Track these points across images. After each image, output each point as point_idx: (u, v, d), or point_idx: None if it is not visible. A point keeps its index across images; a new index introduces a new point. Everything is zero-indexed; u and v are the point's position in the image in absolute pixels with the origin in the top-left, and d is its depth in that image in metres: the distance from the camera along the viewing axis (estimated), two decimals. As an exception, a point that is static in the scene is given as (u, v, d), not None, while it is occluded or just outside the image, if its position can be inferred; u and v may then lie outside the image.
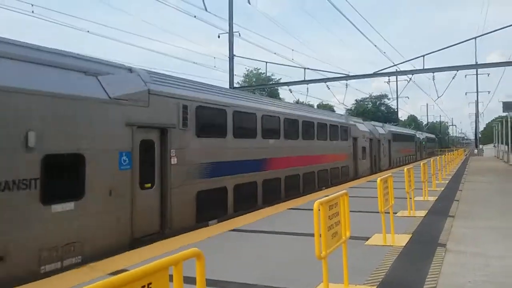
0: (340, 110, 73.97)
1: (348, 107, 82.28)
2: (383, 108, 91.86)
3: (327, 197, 4.32)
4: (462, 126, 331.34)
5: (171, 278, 2.30)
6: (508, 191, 15.23)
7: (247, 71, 63.17)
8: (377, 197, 6.72)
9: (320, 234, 4.06)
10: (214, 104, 11.42)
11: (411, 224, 8.63)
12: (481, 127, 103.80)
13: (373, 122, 33.12)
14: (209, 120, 11.29)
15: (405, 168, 9.73)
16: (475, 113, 70.88)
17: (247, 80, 62.44)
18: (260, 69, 59.80)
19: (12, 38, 7.03)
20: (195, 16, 26.44)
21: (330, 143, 20.26)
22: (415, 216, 9.48)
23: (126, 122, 8.32)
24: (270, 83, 52.09)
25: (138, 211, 8.40)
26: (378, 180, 6.67)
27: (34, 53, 7.13)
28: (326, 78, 26.26)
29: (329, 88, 26.20)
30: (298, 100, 53.83)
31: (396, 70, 25.69)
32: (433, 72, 23.77)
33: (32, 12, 19.13)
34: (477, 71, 53.25)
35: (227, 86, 24.86)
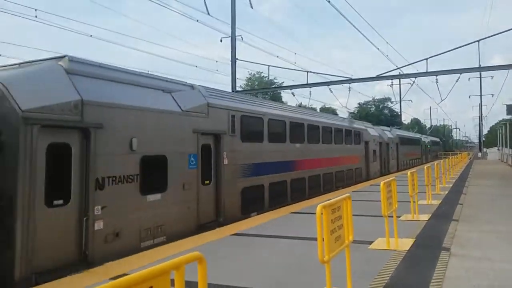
0: (342, 113, 73.91)
1: (351, 111, 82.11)
2: (386, 111, 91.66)
3: (329, 201, 4.30)
4: (466, 129, 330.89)
5: (172, 282, 2.29)
6: (512, 194, 15.15)
7: (249, 74, 63.27)
8: (380, 201, 6.70)
9: (323, 238, 4.03)
10: (254, 113, 13.40)
11: (415, 228, 8.59)
12: (485, 130, 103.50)
13: (381, 127, 34.54)
14: (250, 127, 13.11)
15: (409, 171, 9.71)
16: (479, 116, 70.69)
17: (249, 83, 62.50)
18: (262, 72, 59.85)
19: (113, 64, 9.22)
20: (197, 20, 26.46)
21: (346, 146, 21.94)
22: (418, 220, 9.45)
23: (193, 130, 10.28)
24: (273, 86, 52.12)
25: (201, 203, 10.29)
26: (382, 183, 6.65)
27: (130, 76, 9.10)
28: (329, 82, 26.27)
29: (331, 92, 26.21)
30: (301, 103, 53.99)
31: (399, 73, 25.68)
32: (437, 75, 23.75)
33: (36, 17, 19.27)
34: (480, 74, 52.96)
35: (230, 89, 24.86)
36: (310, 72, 26.75)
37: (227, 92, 13.91)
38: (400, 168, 35.49)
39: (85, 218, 7.20)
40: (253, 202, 12.57)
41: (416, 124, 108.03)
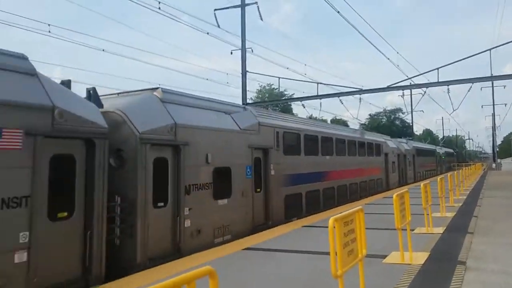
0: (353, 124, 73.67)
1: (362, 122, 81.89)
2: (397, 122, 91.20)
3: (342, 214, 4.27)
4: (479, 139, 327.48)
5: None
6: (528, 206, 14.88)
7: (260, 86, 63.56)
8: (393, 214, 6.63)
9: (336, 252, 3.99)
10: (293, 130, 15.43)
11: (429, 241, 8.50)
12: (499, 140, 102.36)
13: (398, 139, 36.32)
14: (290, 142, 15.04)
15: (422, 183, 9.60)
16: (492, 126, 70.11)
17: (260, 96, 62.73)
18: (273, 84, 60.19)
19: (188, 92, 11.47)
20: (207, 33, 26.68)
21: (368, 158, 23.88)
22: (433, 233, 9.35)
23: (248, 145, 12.24)
24: (283, 98, 52.26)
25: (255, 208, 12.21)
26: (394, 196, 6.60)
27: (203, 102, 11.32)
28: (339, 93, 26.33)
29: (342, 103, 26.35)
30: (311, 115, 53.92)
31: (410, 83, 25.56)
32: (448, 85, 23.61)
33: (49, 32, 19.63)
34: (492, 83, 52.64)
35: (240, 102, 24.95)
36: (321, 83, 26.82)
37: (272, 111, 17.42)
38: (416, 179, 36.70)
39: (178, 217, 9.13)
40: (294, 208, 14.42)
41: (428, 135, 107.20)
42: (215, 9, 25.50)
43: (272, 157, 13.39)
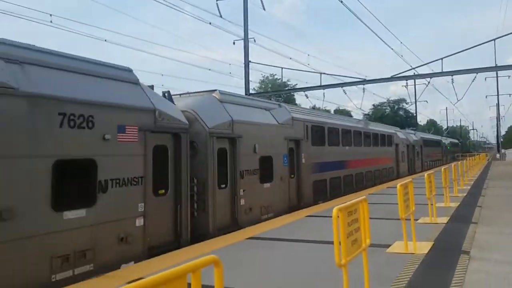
0: (357, 115, 73.44)
1: (365, 112, 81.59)
2: (401, 112, 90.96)
3: (345, 204, 4.27)
4: (483, 130, 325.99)
5: (189, 286, 2.28)
6: (533, 196, 14.86)
7: (263, 77, 63.51)
8: (397, 204, 6.63)
9: (340, 241, 3.99)
10: (319, 123, 17.62)
11: (433, 230, 8.56)
12: (503, 130, 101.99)
13: (407, 130, 38.61)
14: (317, 134, 17.14)
15: (426, 173, 9.59)
16: (496, 117, 70.18)
17: (262, 86, 62.66)
18: (275, 75, 60.18)
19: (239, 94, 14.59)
20: (210, 23, 26.40)
21: (382, 149, 26.16)
22: (437, 223, 9.39)
23: (284, 137, 14.37)
24: (286, 88, 52.28)
25: (290, 191, 14.37)
26: (398, 185, 6.62)
27: (250, 101, 14.05)
28: (342, 83, 26.33)
29: (345, 93, 26.38)
30: (315, 105, 53.83)
31: (414, 73, 25.51)
32: (452, 75, 23.58)
33: (51, 22, 19.53)
34: (497, 74, 52.39)
35: (243, 92, 24.88)
36: (324, 73, 26.74)
37: (301, 107, 20.21)
38: (424, 168, 38.81)
39: (235, 197, 11.26)
40: (320, 192, 16.61)
41: (432, 126, 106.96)
42: (217, -1, 25.33)
43: (303, 147, 15.50)
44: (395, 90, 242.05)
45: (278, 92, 47.55)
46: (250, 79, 26.05)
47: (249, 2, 25.47)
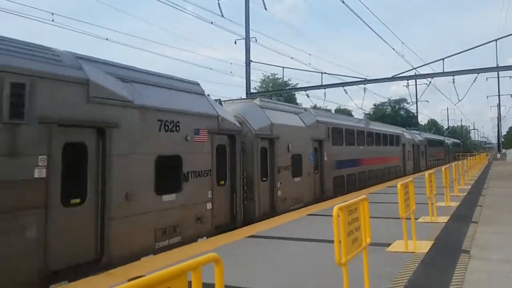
0: (358, 114, 73.42)
1: (366, 112, 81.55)
2: (402, 112, 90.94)
3: (346, 203, 4.27)
4: (484, 130, 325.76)
5: (189, 284, 2.28)
6: (533, 196, 14.85)
7: (263, 76, 63.55)
8: (397, 203, 6.62)
9: (340, 240, 3.99)
10: (338, 125, 19.87)
11: (433, 230, 8.59)
12: (504, 131, 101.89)
13: (412, 131, 40.60)
14: (336, 135, 19.31)
15: (426, 172, 9.58)
16: (497, 117, 70.33)
17: (263, 85, 62.62)
18: (276, 74, 60.38)
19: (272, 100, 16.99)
20: (211, 22, 26.37)
21: (390, 148, 28.34)
22: (437, 222, 9.43)
23: (311, 138, 16.52)
24: (287, 88, 52.25)
25: (315, 185, 16.44)
26: (399, 185, 6.63)
27: (283, 106, 16.33)
28: (343, 83, 26.45)
29: (346, 93, 26.43)
30: (316, 105, 53.77)
31: (415, 73, 25.66)
32: (453, 75, 23.60)
33: (52, 20, 19.55)
34: (498, 74, 52.40)
35: (244, 91, 24.87)
36: (325, 73, 26.84)
37: (323, 111, 23.54)
38: (428, 167, 40.80)
39: (274, 188, 13.31)
40: (339, 187, 18.71)
41: (433, 125, 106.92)
42: (219, -2, 25.32)
43: (325, 147, 17.64)
44: (396, 90, 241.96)
45: (279, 91, 47.46)
46: (251, 78, 26.09)
47: (251, 1, 25.67)
